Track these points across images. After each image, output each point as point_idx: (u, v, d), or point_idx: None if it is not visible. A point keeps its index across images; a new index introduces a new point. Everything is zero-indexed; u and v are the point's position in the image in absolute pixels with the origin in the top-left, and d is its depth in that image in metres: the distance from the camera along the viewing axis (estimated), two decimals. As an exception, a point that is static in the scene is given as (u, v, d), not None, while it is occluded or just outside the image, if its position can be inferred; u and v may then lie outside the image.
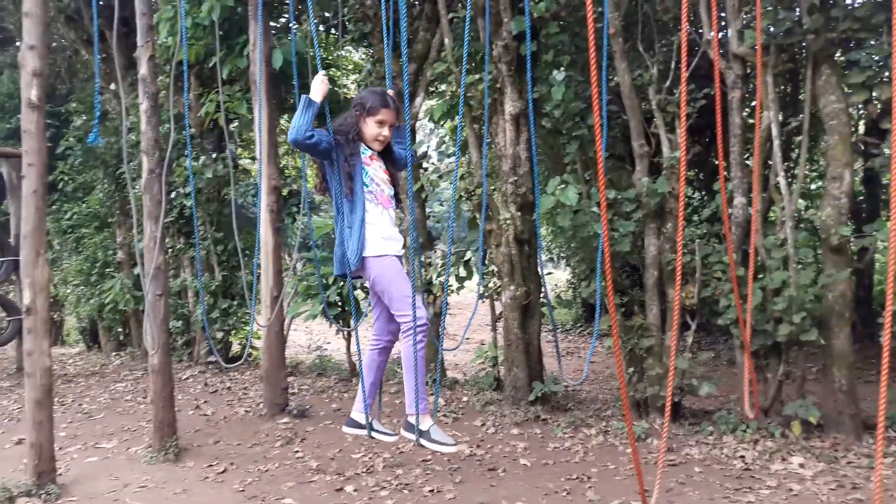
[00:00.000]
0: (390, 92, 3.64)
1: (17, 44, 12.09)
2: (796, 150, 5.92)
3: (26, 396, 4.69)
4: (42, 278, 4.72)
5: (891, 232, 2.34)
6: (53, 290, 10.85)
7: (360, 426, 3.58)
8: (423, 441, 3.35)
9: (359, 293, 7.71)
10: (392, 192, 3.59)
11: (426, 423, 3.37)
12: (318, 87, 3.40)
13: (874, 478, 2.25)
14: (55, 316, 11.55)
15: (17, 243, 8.46)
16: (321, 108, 3.39)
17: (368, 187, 3.47)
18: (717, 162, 8.89)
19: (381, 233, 3.44)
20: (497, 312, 7.11)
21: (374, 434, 3.55)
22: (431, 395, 5.23)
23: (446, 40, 6.55)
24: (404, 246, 3.66)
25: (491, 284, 6.80)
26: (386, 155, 3.63)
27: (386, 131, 3.51)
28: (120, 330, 10.35)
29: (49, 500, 4.49)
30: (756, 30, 5.28)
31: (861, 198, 10.08)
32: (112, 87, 9.81)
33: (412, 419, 3.37)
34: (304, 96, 3.37)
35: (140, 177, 5.50)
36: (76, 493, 4.65)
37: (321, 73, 3.42)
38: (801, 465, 4.92)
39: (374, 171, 3.52)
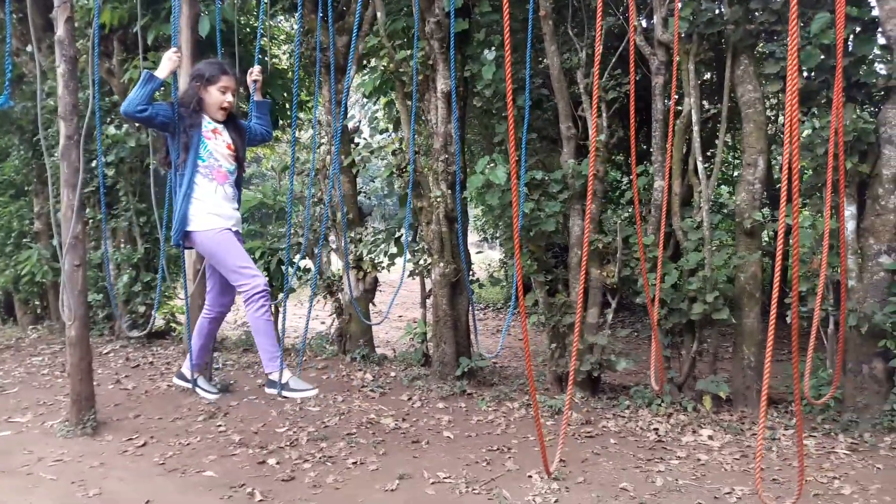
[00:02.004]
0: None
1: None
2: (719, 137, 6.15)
3: (-68, 368, 4.51)
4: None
5: (780, 223, 2.48)
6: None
7: (186, 380, 4.07)
8: (284, 392, 3.72)
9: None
10: (232, 168, 3.69)
11: (285, 377, 3.72)
12: (165, 64, 3.52)
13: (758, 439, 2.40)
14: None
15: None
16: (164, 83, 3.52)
17: (205, 161, 3.57)
18: (644, 146, 9.17)
19: (208, 208, 3.56)
20: (427, 289, 7.18)
21: (197, 389, 4.05)
22: (343, 370, 5.25)
23: (379, 14, 6.52)
24: (239, 222, 3.82)
25: (421, 262, 6.86)
26: (234, 128, 3.72)
27: (230, 97, 3.63)
28: (37, 303, 9.97)
29: (-43, 474, 4.34)
30: (681, 18, 5.47)
31: (780, 185, 10.50)
32: (29, 48, 9.38)
33: (273, 377, 3.73)
34: (145, 71, 3.47)
35: (58, 144, 5.31)
36: (-13, 467, 4.51)
37: (172, 49, 3.52)
38: (710, 437, 5.18)
39: (215, 145, 3.62)
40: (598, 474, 4.50)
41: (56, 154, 5.73)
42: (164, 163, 3.73)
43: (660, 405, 5.77)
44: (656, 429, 5.37)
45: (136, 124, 4.10)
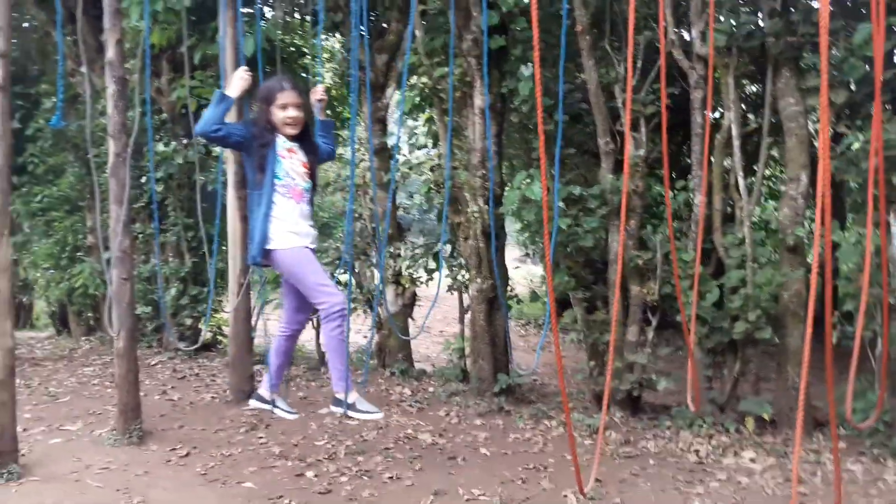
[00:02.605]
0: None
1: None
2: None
3: (-12, 378, 4.69)
4: (5, 259, 4.71)
5: (815, 238, 2.45)
6: (23, 274, 10.78)
7: (265, 401, 3.99)
8: (350, 413, 3.71)
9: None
10: (308, 186, 3.69)
11: (352, 398, 3.71)
12: (236, 83, 3.55)
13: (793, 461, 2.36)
14: (25, 300, 11.49)
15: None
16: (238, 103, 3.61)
17: (281, 180, 3.58)
18: (687, 160, 9.06)
19: (287, 227, 3.56)
20: (465, 305, 7.20)
21: (276, 410, 3.97)
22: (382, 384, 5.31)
23: (417, 32, 6.61)
24: (316, 239, 3.83)
25: (459, 277, 6.89)
26: (308, 146, 3.72)
27: (292, 111, 3.59)
28: (90, 314, 10.30)
29: (10, 479, 4.50)
30: (718, 31, 5.43)
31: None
32: (83, 69, 9.75)
33: (340, 396, 3.71)
34: (217, 91, 3.50)
35: (108, 161, 5.50)
36: (38, 473, 4.66)
37: (242, 68, 3.55)
38: (752, 460, 5.07)
39: (291, 164, 3.61)
40: (636, 495, 4.45)
41: (106, 171, 5.94)
42: (242, 185, 3.79)
43: (701, 426, 5.67)
44: (697, 450, 5.28)
45: (210, 143, 4.13)
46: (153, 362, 8.15)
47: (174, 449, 5.19)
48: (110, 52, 5.28)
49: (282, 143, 3.63)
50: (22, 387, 6.64)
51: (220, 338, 9.19)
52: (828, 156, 2.29)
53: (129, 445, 5.22)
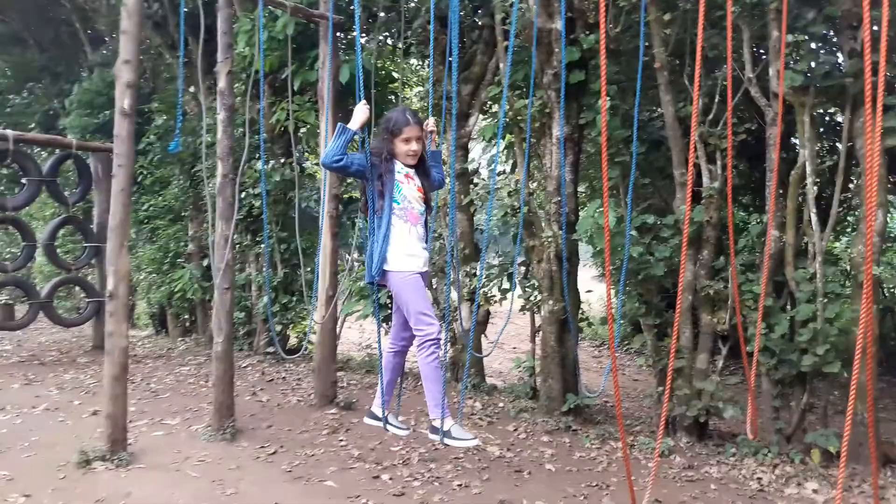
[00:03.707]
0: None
1: (106, 41, 13.00)
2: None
3: (105, 372, 5.27)
4: (124, 267, 5.31)
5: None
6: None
7: (377, 419, 4.07)
8: (446, 440, 3.78)
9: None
10: (422, 209, 3.89)
11: (447, 424, 3.79)
12: (357, 116, 3.74)
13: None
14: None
15: (100, 231, 9.22)
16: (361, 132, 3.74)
17: (400, 204, 3.80)
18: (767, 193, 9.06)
19: (404, 249, 3.77)
20: (536, 325, 7.46)
21: (388, 427, 4.02)
22: (456, 400, 5.52)
23: (501, 65, 6.95)
24: (428, 262, 3.97)
25: (531, 298, 7.16)
26: (423, 173, 3.94)
27: (414, 145, 3.81)
28: (186, 317, 11.05)
29: (121, 465, 5.05)
30: (795, 70, 5.55)
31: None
32: (192, 89, 10.53)
33: (436, 423, 3.80)
34: (339, 124, 3.73)
35: (213, 175, 6.07)
36: (143, 461, 5.20)
37: (362, 102, 3.74)
38: (815, 491, 5.14)
39: (408, 190, 3.83)
40: (693, 517, 4.61)
41: (211, 185, 6.52)
42: (364, 210, 3.93)
43: (766, 455, 5.76)
44: (760, 478, 5.38)
45: (334, 172, 4.39)
46: (244, 364, 8.73)
47: (263, 447, 5.65)
48: (222, 83, 5.83)
49: (400, 170, 3.85)
50: (127, 382, 7.28)
51: (305, 344, 9.73)
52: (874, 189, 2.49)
53: (223, 441, 5.72)
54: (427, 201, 3.96)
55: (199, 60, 7.66)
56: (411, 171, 3.89)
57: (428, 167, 3.99)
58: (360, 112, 3.76)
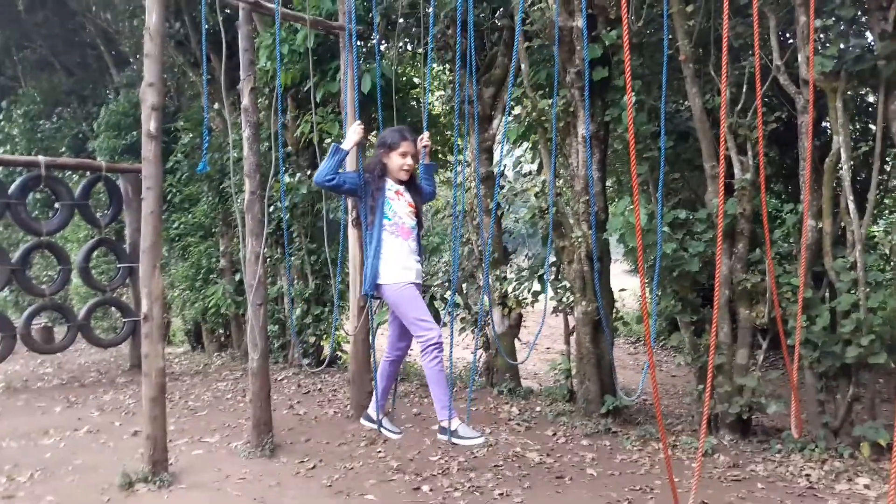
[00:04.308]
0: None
1: (131, 62, 13.20)
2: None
3: (143, 394, 5.31)
4: (157, 289, 5.34)
5: None
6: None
7: (372, 421, 4.34)
8: (453, 440, 3.96)
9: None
10: (414, 224, 4.08)
11: (454, 424, 3.98)
12: (350, 136, 4.02)
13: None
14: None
15: (132, 251, 9.34)
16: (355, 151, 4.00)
17: (390, 220, 3.98)
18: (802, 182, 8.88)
19: (396, 262, 3.95)
20: (570, 327, 7.38)
21: (382, 429, 4.30)
22: (491, 404, 5.54)
23: (523, 66, 6.88)
24: (420, 274, 4.16)
25: (564, 300, 7.08)
26: (413, 189, 4.12)
27: (410, 161, 4.03)
28: (221, 332, 11.15)
29: (162, 486, 5.08)
30: (825, 55, 5.41)
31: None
32: (216, 106, 10.63)
33: (444, 424, 4.00)
34: (333, 144, 3.95)
35: (241, 191, 6.09)
36: (185, 481, 5.23)
37: (356, 122, 3.94)
38: (867, 486, 4.99)
39: (398, 205, 4.02)
40: (742, 519, 4.51)
41: (239, 201, 6.55)
42: (356, 224, 4.20)
43: (813, 450, 5.62)
44: (808, 475, 5.25)
45: (327, 191, 4.76)
46: (280, 377, 8.77)
47: (302, 461, 5.66)
48: (245, 100, 5.85)
49: (390, 187, 4.06)
50: (166, 402, 7.34)
51: (339, 353, 9.77)
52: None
53: (262, 457, 5.73)
54: (418, 215, 4.14)
55: (222, 77, 7.73)
56: (401, 188, 4.07)
57: (419, 183, 4.20)
58: (354, 132, 3.97)
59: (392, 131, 4.13)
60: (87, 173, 9.78)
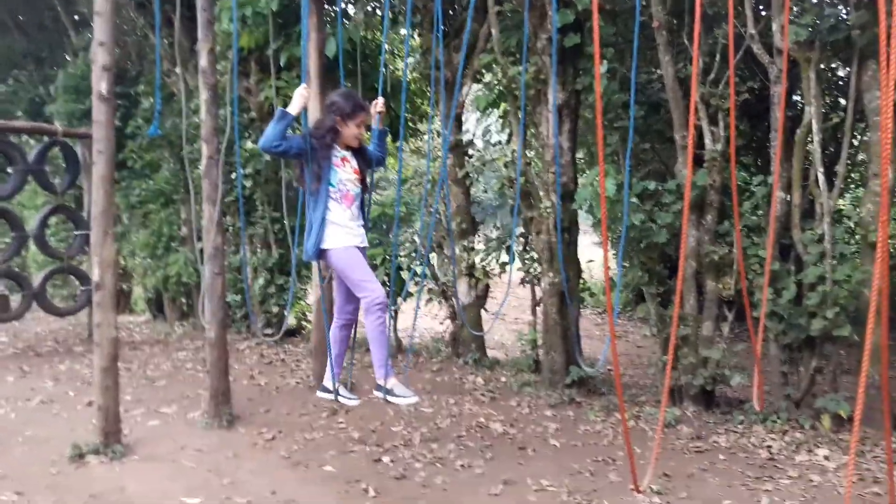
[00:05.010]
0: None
1: (91, 24, 12.72)
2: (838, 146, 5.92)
3: (95, 364, 5.13)
4: (109, 256, 5.13)
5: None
6: (122, 262, 11.50)
7: (329, 391, 4.33)
8: (388, 398, 4.08)
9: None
10: (358, 190, 4.07)
11: (391, 383, 4.08)
12: (297, 101, 3.92)
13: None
14: (124, 286, 12.24)
15: (91, 218, 9.04)
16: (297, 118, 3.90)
17: (335, 187, 3.94)
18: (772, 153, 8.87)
19: (339, 229, 3.95)
20: (537, 297, 7.31)
21: (339, 398, 4.30)
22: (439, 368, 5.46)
23: (493, 31, 6.71)
24: (364, 238, 4.20)
25: (531, 270, 7.00)
26: (360, 155, 4.09)
27: (363, 130, 4.02)
28: (183, 301, 10.92)
29: (115, 458, 4.93)
30: (799, 24, 5.33)
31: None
32: (178, 69, 10.29)
33: (381, 382, 4.10)
34: (279, 109, 3.81)
35: (200, 158, 5.88)
36: (139, 453, 5.08)
37: (302, 86, 3.85)
38: (826, 458, 5.02)
39: (344, 173, 3.99)
40: (703, 490, 4.49)
41: (199, 168, 6.34)
42: (300, 182, 4.14)
43: (775, 422, 5.64)
44: (769, 446, 5.26)
45: (272, 156, 4.67)
46: (242, 348, 8.61)
47: (261, 433, 5.53)
48: (203, 61, 5.61)
49: (337, 153, 4.00)
50: (123, 370, 7.14)
51: (304, 323, 9.61)
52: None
53: (220, 428, 5.59)
54: (364, 181, 4.15)
55: (177, 37, 7.45)
56: (348, 154, 4.04)
57: (367, 149, 4.17)
58: (300, 96, 3.87)
59: (347, 98, 4.01)
60: (44, 138, 9.42)
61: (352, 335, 4.52)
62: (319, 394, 4.48)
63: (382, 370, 4.12)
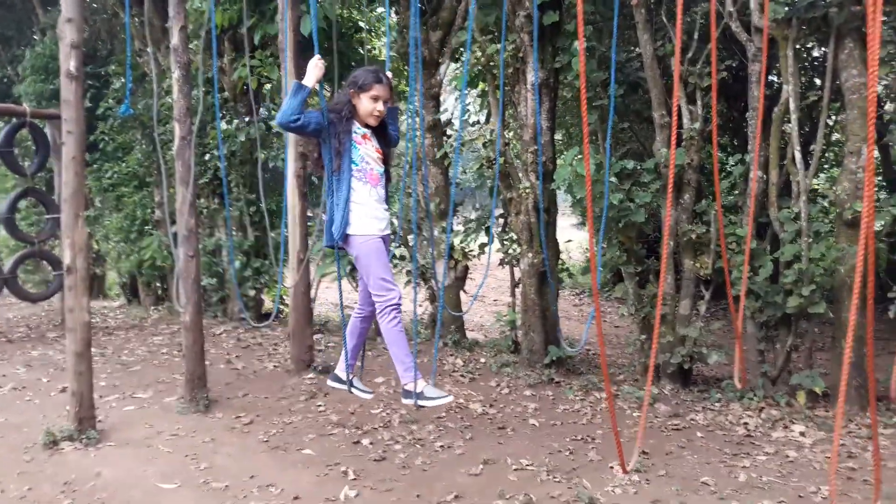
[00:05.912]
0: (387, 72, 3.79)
1: (58, 1, 12.42)
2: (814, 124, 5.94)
3: (67, 349, 5.03)
4: (81, 239, 5.02)
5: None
6: (96, 246, 11.30)
7: (342, 382, 4.01)
8: (420, 402, 3.66)
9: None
10: (382, 171, 3.75)
11: (420, 386, 3.67)
12: (312, 72, 3.54)
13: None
14: (98, 271, 12.04)
15: (62, 201, 8.86)
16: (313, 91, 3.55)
17: (358, 165, 3.64)
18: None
19: (366, 212, 3.62)
20: (516, 278, 7.29)
21: (353, 390, 3.99)
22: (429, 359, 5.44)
23: (471, 8, 6.62)
24: (390, 224, 3.85)
25: (510, 251, 6.98)
26: (380, 133, 3.77)
27: (381, 106, 3.64)
28: (158, 285, 10.78)
29: (89, 443, 4.85)
30: (777, 1, 5.31)
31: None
32: (149, 49, 10.08)
33: (409, 387, 3.68)
34: (294, 81, 3.53)
35: (173, 140, 5.76)
36: (113, 438, 5.01)
37: (316, 57, 3.55)
38: (802, 434, 5.08)
39: (366, 150, 3.67)
40: (681, 468, 4.52)
41: (172, 149, 6.22)
42: (318, 166, 3.81)
43: (751, 399, 5.69)
44: (746, 423, 5.31)
45: (290, 132, 4.17)
46: (218, 332, 8.51)
47: (238, 417, 5.48)
48: (175, 39, 5.49)
49: (357, 130, 3.70)
50: (97, 355, 7.04)
51: (274, 309, 9.52)
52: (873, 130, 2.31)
53: (196, 413, 5.53)
54: (386, 162, 3.82)
55: (147, 13, 7.27)
56: (368, 132, 3.73)
57: (387, 128, 3.83)
58: (315, 67, 3.57)
59: (366, 71, 3.72)
60: (13, 119, 9.18)
61: (369, 329, 4.16)
62: (330, 382, 4.15)
63: (410, 374, 3.71)
